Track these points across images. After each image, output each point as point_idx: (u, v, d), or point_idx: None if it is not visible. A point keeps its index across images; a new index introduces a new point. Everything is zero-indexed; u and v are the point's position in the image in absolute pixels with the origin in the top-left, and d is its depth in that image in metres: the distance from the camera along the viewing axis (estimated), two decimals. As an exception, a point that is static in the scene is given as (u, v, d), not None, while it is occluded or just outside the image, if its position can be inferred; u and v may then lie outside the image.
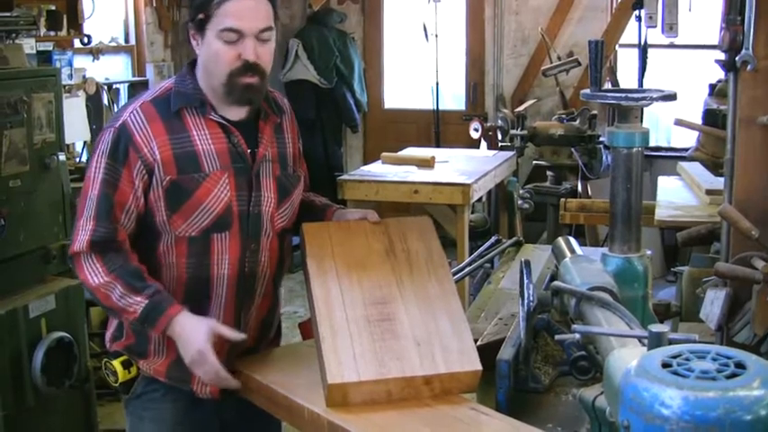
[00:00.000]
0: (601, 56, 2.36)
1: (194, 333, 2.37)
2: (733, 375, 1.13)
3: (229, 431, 2.69)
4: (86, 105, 5.92)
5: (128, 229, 2.47)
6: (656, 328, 1.47)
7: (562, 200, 5.15)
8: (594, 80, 2.35)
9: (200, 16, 2.40)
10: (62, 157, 4.02)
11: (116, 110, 6.36)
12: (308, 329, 2.72)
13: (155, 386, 2.57)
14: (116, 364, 2.53)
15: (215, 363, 2.36)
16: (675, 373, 1.14)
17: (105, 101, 6.30)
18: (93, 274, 2.43)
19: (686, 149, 6.20)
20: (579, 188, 6.67)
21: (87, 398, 4.07)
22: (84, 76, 5.97)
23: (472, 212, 6.06)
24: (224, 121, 2.49)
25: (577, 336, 1.99)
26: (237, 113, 2.52)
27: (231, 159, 2.48)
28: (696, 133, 5.49)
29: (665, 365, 1.16)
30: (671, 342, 1.41)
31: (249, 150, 2.51)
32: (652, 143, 7.70)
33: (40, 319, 3.72)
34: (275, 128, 2.61)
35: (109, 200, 2.42)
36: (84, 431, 4.07)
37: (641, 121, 2.36)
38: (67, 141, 4.37)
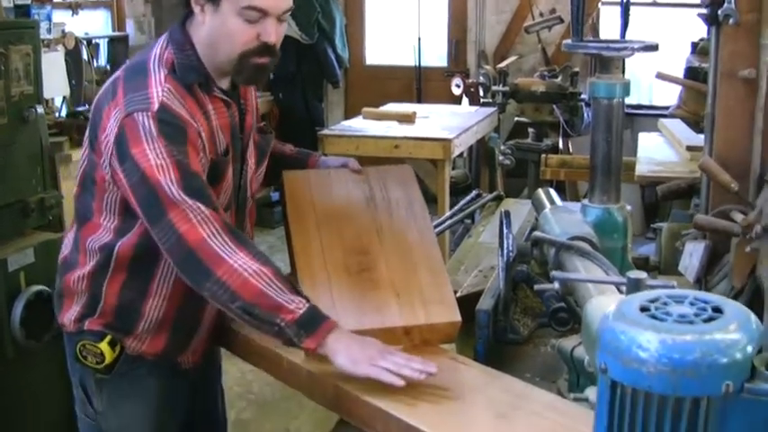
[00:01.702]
0: (583, 8, 2.35)
1: (364, 341, 2.09)
2: (710, 319, 1.13)
3: (197, 390, 2.63)
4: (65, 60, 5.84)
5: None
6: (635, 274, 1.48)
7: (543, 156, 5.16)
8: (576, 31, 2.34)
9: None
10: (40, 110, 3.97)
11: (96, 64, 6.33)
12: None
13: (139, 363, 2.39)
14: (103, 346, 2.33)
15: (403, 354, 2.09)
16: (653, 316, 1.14)
17: (85, 56, 6.24)
18: (235, 257, 2.07)
19: (667, 108, 6.23)
20: (560, 145, 6.68)
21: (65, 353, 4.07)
22: (63, 31, 5.88)
23: (453, 168, 6.05)
24: (226, 97, 2.32)
25: (556, 286, 2.00)
26: (225, 81, 2.34)
27: (231, 134, 2.33)
28: (677, 91, 5.51)
29: (643, 309, 1.16)
30: (649, 288, 1.41)
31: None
32: (633, 101, 7.69)
33: (19, 272, 3.69)
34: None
35: (198, 178, 2.14)
36: (64, 384, 4.03)
37: (623, 73, 2.35)
38: (46, 96, 4.31)
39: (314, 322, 2.07)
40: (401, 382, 1.97)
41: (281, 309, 2.05)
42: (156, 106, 2.14)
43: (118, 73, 2.30)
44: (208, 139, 2.22)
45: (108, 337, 2.34)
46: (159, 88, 2.17)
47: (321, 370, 2.15)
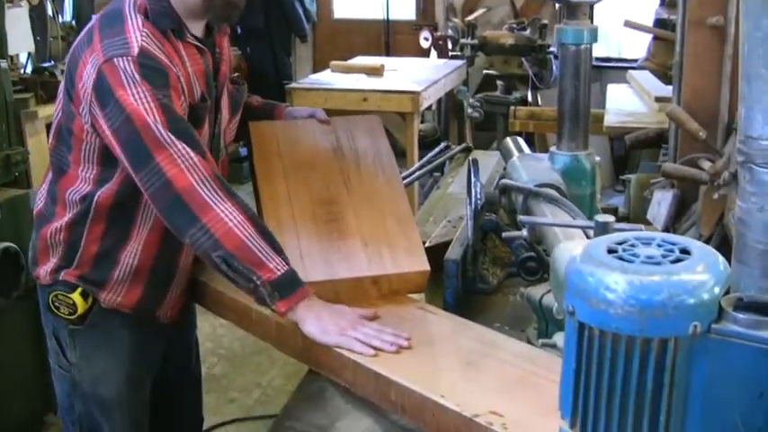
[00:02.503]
0: (551, -47, 2.33)
1: (336, 311, 2.09)
2: (678, 261, 1.12)
3: (172, 345, 2.64)
4: (30, 16, 5.74)
5: None
6: (602, 218, 1.47)
7: (512, 108, 5.14)
8: (544, -23, 2.31)
9: None
10: (4, 64, 3.91)
11: (61, 20, 6.22)
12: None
13: (112, 316, 2.39)
14: (75, 297, 2.34)
15: (375, 324, 2.09)
16: (620, 258, 1.13)
17: (50, 11, 6.12)
18: (218, 201, 2.06)
19: (636, 60, 6.22)
20: (529, 98, 6.65)
21: (36, 308, 4.01)
22: (26, -14, 5.79)
23: (422, 122, 6.04)
24: (199, 43, 2.30)
25: (524, 233, 1.99)
26: (198, 29, 2.31)
27: (206, 82, 2.31)
28: (646, 44, 5.49)
29: (611, 251, 1.15)
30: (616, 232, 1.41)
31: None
32: (602, 54, 7.67)
33: (-15, 229, 3.66)
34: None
35: (184, 120, 2.12)
36: (33, 342, 4.01)
37: (591, 20, 2.33)
38: (10, 52, 4.24)
39: (290, 286, 2.06)
40: (371, 352, 1.97)
41: (261, 266, 2.05)
42: (136, 50, 2.11)
43: (92, 22, 2.28)
44: (186, 83, 2.21)
45: (79, 289, 2.35)
46: (138, 33, 2.14)
47: (290, 321, 2.14)
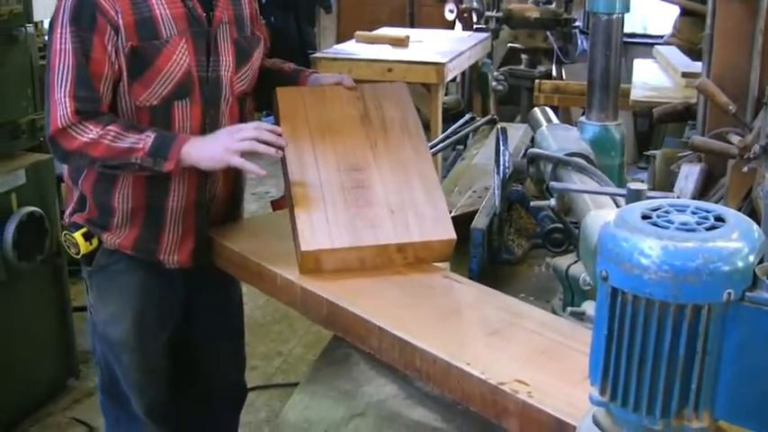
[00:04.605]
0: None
1: (214, 135, 2.37)
2: (712, 228, 1.12)
3: (195, 300, 2.69)
4: (55, -17, 5.73)
5: (107, 101, 2.36)
6: (635, 185, 1.46)
7: (537, 81, 5.11)
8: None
9: None
10: (30, 29, 3.91)
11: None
12: (280, 207, 2.70)
13: (117, 257, 2.54)
14: (77, 236, 2.50)
15: (249, 124, 2.38)
16: (655, 224, 1.12)
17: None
18: (85, 133, 2.31)
19: (661, 37, 6.17)
20: (554, 72, 6.60)
21: (59, 272, 4.05)
22: (51, -50, 5.76)
23: (446, 95, 6.01)
24: None
25: (552, 202, 1.98)
26: None
27: (188, 24, 2.38)
28: (672, 19, 5.46)
29: (645, 217, 1.15)
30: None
31: (205, 14, 2.42)
32: (627, 30, 7.60)
33: (11, 193, 3.66)
34: None
35: (84, 70, 2.30)
36: (56, 305, 4.06)
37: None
38: (35, 19, 4.23)
39: (164, 146, 2.31)
40: (262, 172, 2.33)
41: (131, 150, 2.30)
42: None
43: None
44: (129, 25, 2.31)
45: (83, 229, 2.52)
46: None
47: (316, 286, 2.15)
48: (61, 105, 2.30)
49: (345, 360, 2.14)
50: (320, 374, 2.10)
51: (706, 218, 1.14)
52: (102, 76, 2.33)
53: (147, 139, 2.30)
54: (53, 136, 2.33)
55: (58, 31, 2.31)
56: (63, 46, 2.31)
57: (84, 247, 2.51)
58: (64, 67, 2.31)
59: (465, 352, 1.82)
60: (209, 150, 2.33)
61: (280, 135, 2.34)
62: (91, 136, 2.30)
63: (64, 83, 2.31)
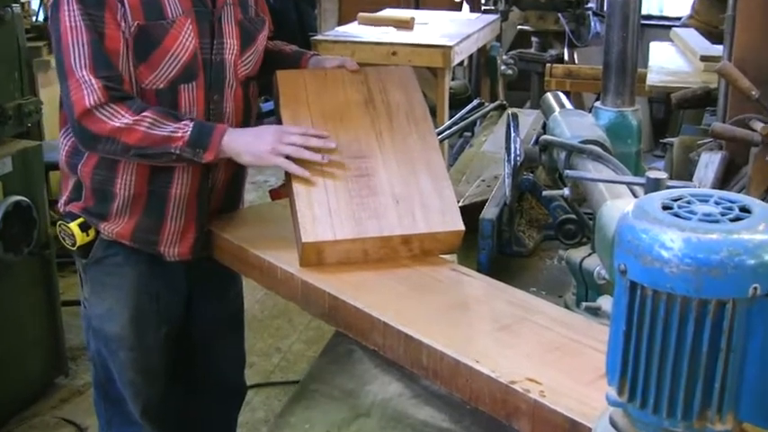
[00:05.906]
0: None
1: (258, 131, 2.33)
2: (737, 219, 1.07)
3: (194, 295, 2.63)
4: (41, -40, 5.67)
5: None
6: (654, 173, 1.38)
7: (548, 65, 5.04)
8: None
9: None
10: (17, 9, 3.82)
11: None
12: (279, 196, 2.63)
13: (115, 250, 2.46)
14: (73, 226, 2.43)
15: (296, 129, 2.30)
16: (676, 215, 1.08)
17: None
18: (116, 117, 2.21)
19: (679, 18, 6.07)
20: (565, 56, 6.53)
21: (48, 265, 3.93)
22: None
23: (452, 79, 5.92)
24: None
25: (565, 192, 1.91)
26: None
27: (192, 4, 2.31)
28: (689, 0, 5.37)
29: (666, 208, 1.10)
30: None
31: None
32: (644, 11, 7.51)
33: (-4, 182, 3.58)
34: None
35: (101, 46, 2.20)
36: (44, 298, 3.96)
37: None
38: (22, -1, 4.17)
39: (204, 136, 2.25)
40: (306, 173, 2.22)
41: (170, 139, 2.23)
42: None
43: None
44: (135, 4, 2.23)
45: (79, 219, 2.44)
46: None
47: (317, 279, 2.09)
48: (87, 84, 2.20)
49: (348, 357, 2.10)
50: (322, 372, 2.07)
51: (730, 208, 1.09)
52: (119, 54, 2.24)
53: (185, 128, 2.24)
54: (79, 119, 2.22)
55: (65, 9, 2.20)
56: (73, 23, 2.19)
57: (80, 238, 2.43)
58: (78, 43, 2.20)
59: (474, 348, 1.76)
60: (255, 146, 2.28)
61: (326, 138, 2.29)
62: (125, 121, 2.21)
63: (82, 60, 2.20)
